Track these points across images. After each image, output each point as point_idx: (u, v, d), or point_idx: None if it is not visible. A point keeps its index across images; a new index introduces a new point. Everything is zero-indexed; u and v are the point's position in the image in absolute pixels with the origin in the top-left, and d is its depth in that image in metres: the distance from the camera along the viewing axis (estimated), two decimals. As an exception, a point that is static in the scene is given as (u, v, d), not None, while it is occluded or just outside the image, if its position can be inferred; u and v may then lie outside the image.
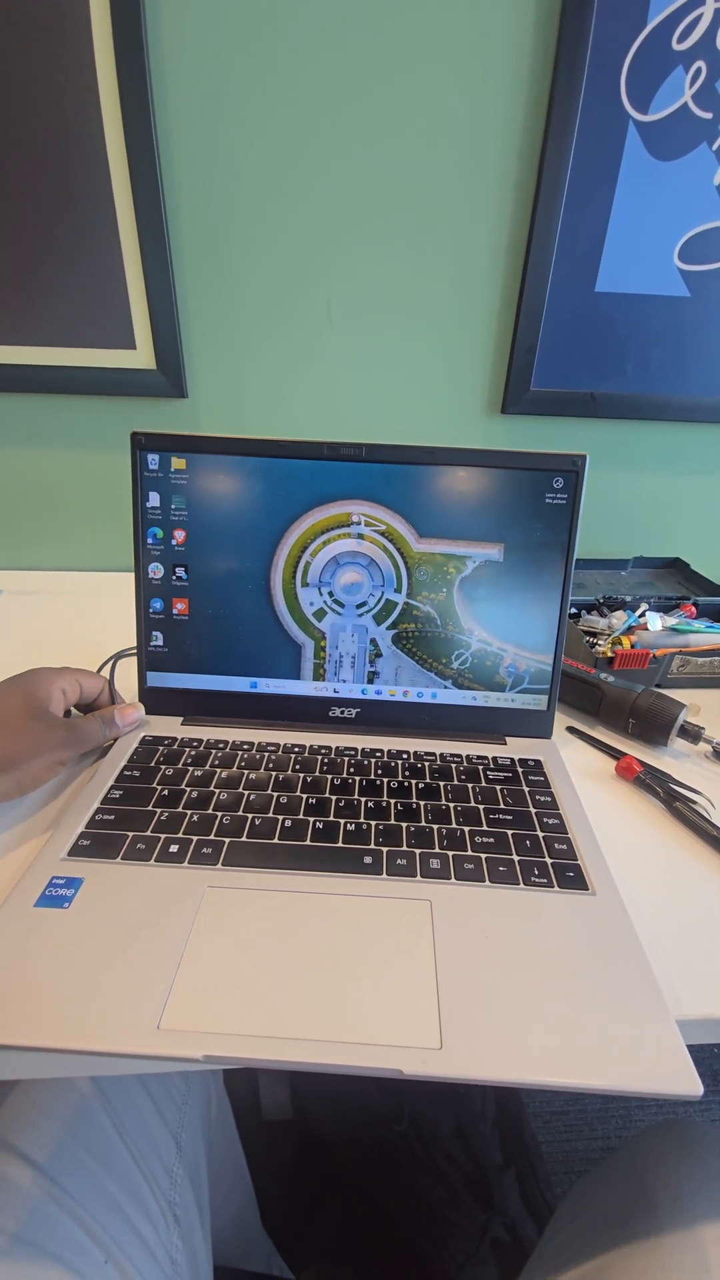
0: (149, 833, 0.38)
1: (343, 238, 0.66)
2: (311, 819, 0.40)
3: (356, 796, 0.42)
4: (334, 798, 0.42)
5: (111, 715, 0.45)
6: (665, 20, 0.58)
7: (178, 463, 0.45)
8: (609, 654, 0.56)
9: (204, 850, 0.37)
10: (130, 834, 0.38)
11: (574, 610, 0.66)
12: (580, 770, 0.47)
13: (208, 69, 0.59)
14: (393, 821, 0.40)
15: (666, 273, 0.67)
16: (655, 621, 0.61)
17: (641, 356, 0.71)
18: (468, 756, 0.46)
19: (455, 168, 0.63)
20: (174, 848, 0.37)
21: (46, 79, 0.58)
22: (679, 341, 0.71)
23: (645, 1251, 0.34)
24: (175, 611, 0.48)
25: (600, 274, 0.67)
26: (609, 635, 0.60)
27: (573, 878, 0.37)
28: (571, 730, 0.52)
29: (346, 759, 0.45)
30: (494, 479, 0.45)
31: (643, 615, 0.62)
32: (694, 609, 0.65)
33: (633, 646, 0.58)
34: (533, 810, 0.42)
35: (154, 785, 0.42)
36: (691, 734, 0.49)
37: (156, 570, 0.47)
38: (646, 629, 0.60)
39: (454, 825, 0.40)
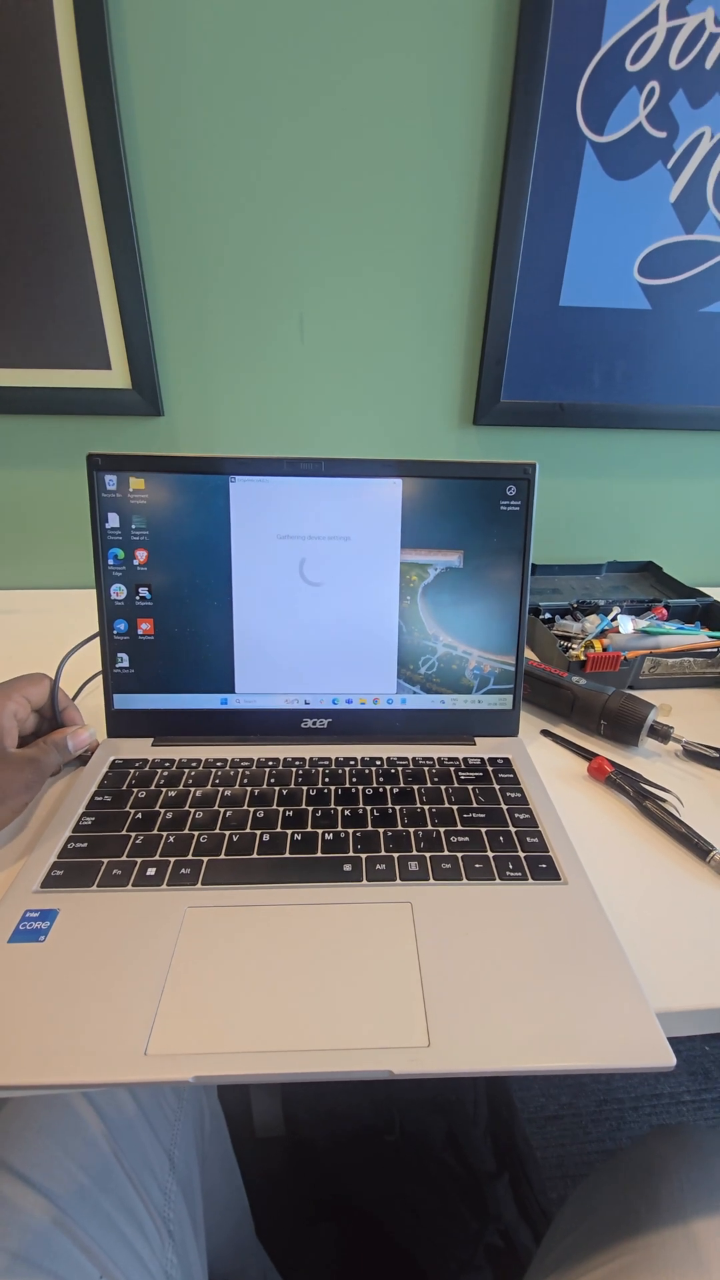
0: (124, 857, 0.38)
1: (314, 254, 0.67)
2: (289, 831, 0.40)
3: (333, 806, 0.42)
4: (310, 808, 0.42)
5: (64, 741, 0.45)
6: (618, 42, 0.61)
7: (136, 483, 0.46)
8: (581, 657, 0.57)
9: (182, 871, 0.37)
10: (105, 860, 0.38)
11: (548, 615, 0.67)
12: (553, 771, 0.48)
13: (177, 90, 0.60)
14: (370, 828, 0.41)
15: (627, 287, 0.69)
16: (627, 624, 0.62)
17: (607, 367, 0.73)
18: (439, 759, 0.47)
19: (421, 189, 0.65)
20: (151, 871, 0.37)
21: (15, 104, 0.58)
22: (641, 352, 0.73)
23: (650, 1257, 0.34)
24: (140, 632, 0.48)
25: (564, 289, 0.69)
26: (582, 639, 0.62)
27: (545, 869, 0.38)
28: (545, 733, 0.53)
29: (321, 769, 0.46)
30: (451, 489, 0.47)
31: (615, 619, 0.64)
32: (665, 611, 0.66)
33: (605, 649, 0.59)
34: (504, 807, 0.43)
35: (127, 809, 0.42)
36: (661, 734, 0.50)
37: (119, 591, 0.47)
38: (619, 632, 0.62)
39: (430, 827, 0.41)
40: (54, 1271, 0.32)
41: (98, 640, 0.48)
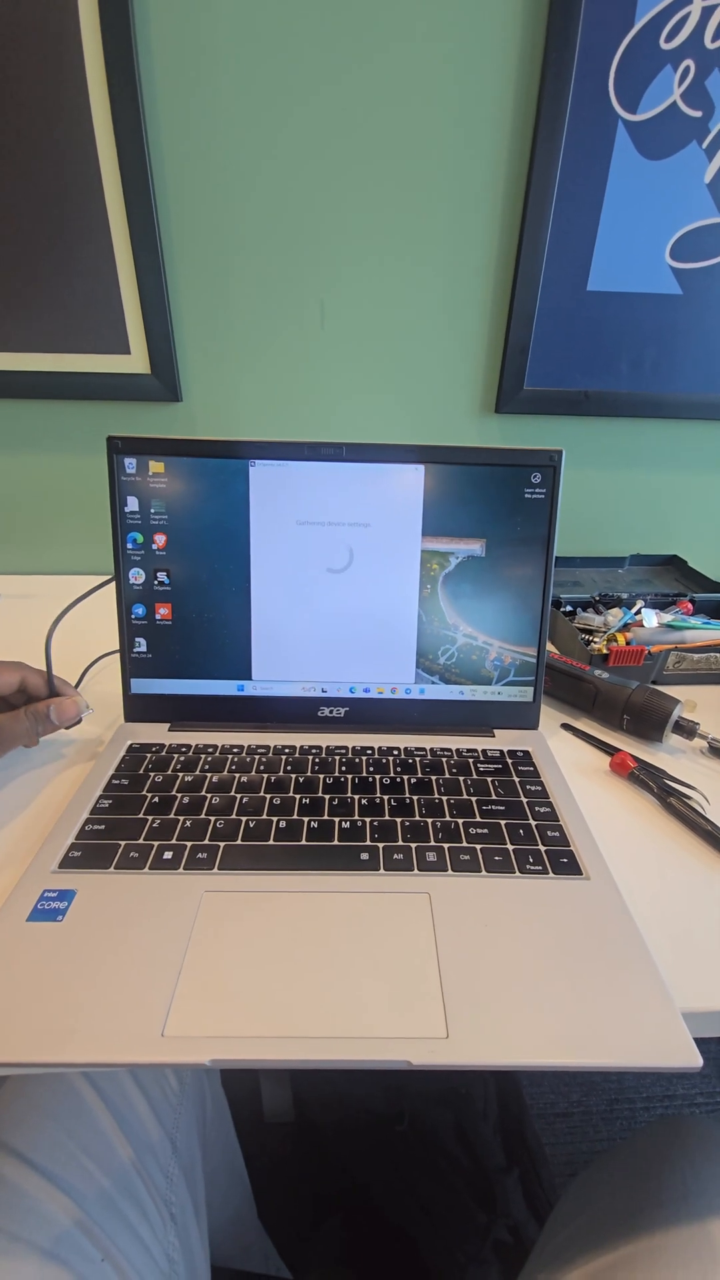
0: (141, 840, 0.38)
1: (335, 240, 0.66)
2: (306, 819, 0.40)
3: (350, 794, 0.42)
4: (328, 797, 0.42)
5: (46, 711, 0.43)
6: (652, 20, 0.59)
7: (156, 466, 0.45)
8: (604, 651, 0.56)
9: (199, 855, 0.37)
10: (122, 843, 0.38)
11: (569, 608, 0.66)
12: (574, 766, 0.47)
13: (198, 78, 0.59)
14: (387, 817, 0.40)
15: (659, 271, 0.67)
16: (651, 618, 0.61)
17: (635, 355, 0.72)
18: (457, 750, 0.47)
19: (446, 169, 0.63)
20: (168, 854, 0.37)
21: (38, 90, 0.58)
22: (672, 339, 0.71)
23: (654, 1248, 0.33)
24: (158, 617, 0.48)
25: (592, 273, 0.67)
26: (604, 632, 0.60)
27: (566, 864, 0.37)
28: (566, 727, 0.52)
29: (338, 758, 0.45)
30: (474, 476, 0.46)
31: (638, 612, 0.62)
32: (690, 605, 0.65)
33: (628, 643, 0.58)
34: (524, 800, 0.42)
35: (144, 793, 0.42)
36: (686, 730, 0.49)
37: (138, 575, 0.47)
38: (642, 625, 0.60)
39: (448, 818, 0.40)
40: (55, 1254, 0.32)
41: (106, 620, 0.48)
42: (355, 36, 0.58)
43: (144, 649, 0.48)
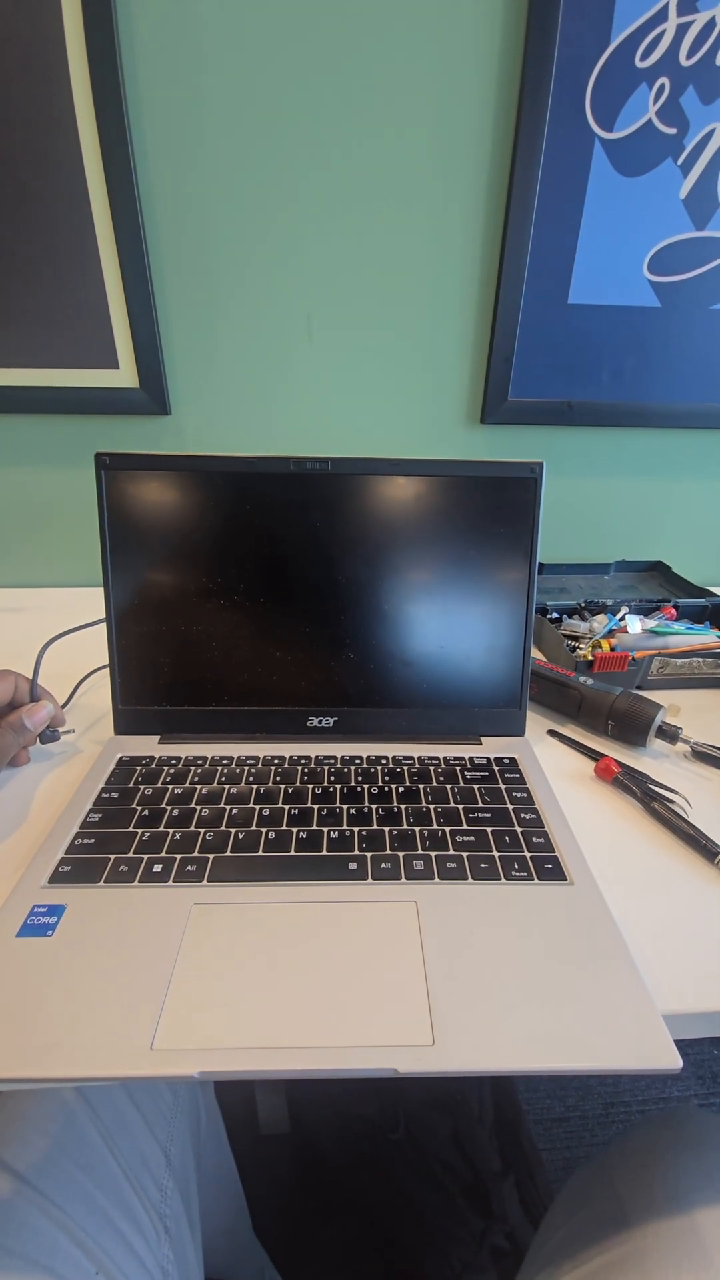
0: (131, 854, 0.38)
1: (322, 255, 0.67)
2: (295, 830, 0.40)
3: (338, 804, 0.42)
4: (316, 807, 0.42)
5: (19, 720, 0.44)
6: (628, 39, 0.60)
7: (144, 482, 0.46)
8: (589, 657, 0.57)
9: (188, 868, 0.37)
10: (112, 857, 0.38)
11: (555, 615, 0.67)
12: (560, 772, 0.48)
13: (186, 91, 0.60)
14: (375, 826, 0.41)
15: (637, 284, 0.69)
16: (635, 624, 0.62)
17: (616, 365, 0.73)
18: (445, 758, 0.47)
19: (429, 187, 0.65)
20: (157, 867, 0.37)
21: (22, 101, 0.59)
22: (651, 350, 0.72)
23: (647, 1248, 0.34)
24: (148, 630, 0.48)
25: (573, 286, 0.69)
26: (590, 639, 0.61)
27: (551, 869, 0.38)
28: (552, 733, 0.53)
29: (327, 768, 0.46)
30: (458, 487, 0.47)
31: (623, 619, 0.63)
32: (674, 611, 0.66)
33: (613, 649, 0.59)
34: (510, 806, 0.43)
35: (133, 806, 0.42)
36: (669, 734, 0.50)
37: (127, 590, 0.47)
38: (626, 632, 0.61)
39: (435, 826, 0.41)
40: (49, 1266, 0.32)
41: (96, 636, 0.48)
42: (339, 55, 0.59)
43: (133, 662, 0.48)
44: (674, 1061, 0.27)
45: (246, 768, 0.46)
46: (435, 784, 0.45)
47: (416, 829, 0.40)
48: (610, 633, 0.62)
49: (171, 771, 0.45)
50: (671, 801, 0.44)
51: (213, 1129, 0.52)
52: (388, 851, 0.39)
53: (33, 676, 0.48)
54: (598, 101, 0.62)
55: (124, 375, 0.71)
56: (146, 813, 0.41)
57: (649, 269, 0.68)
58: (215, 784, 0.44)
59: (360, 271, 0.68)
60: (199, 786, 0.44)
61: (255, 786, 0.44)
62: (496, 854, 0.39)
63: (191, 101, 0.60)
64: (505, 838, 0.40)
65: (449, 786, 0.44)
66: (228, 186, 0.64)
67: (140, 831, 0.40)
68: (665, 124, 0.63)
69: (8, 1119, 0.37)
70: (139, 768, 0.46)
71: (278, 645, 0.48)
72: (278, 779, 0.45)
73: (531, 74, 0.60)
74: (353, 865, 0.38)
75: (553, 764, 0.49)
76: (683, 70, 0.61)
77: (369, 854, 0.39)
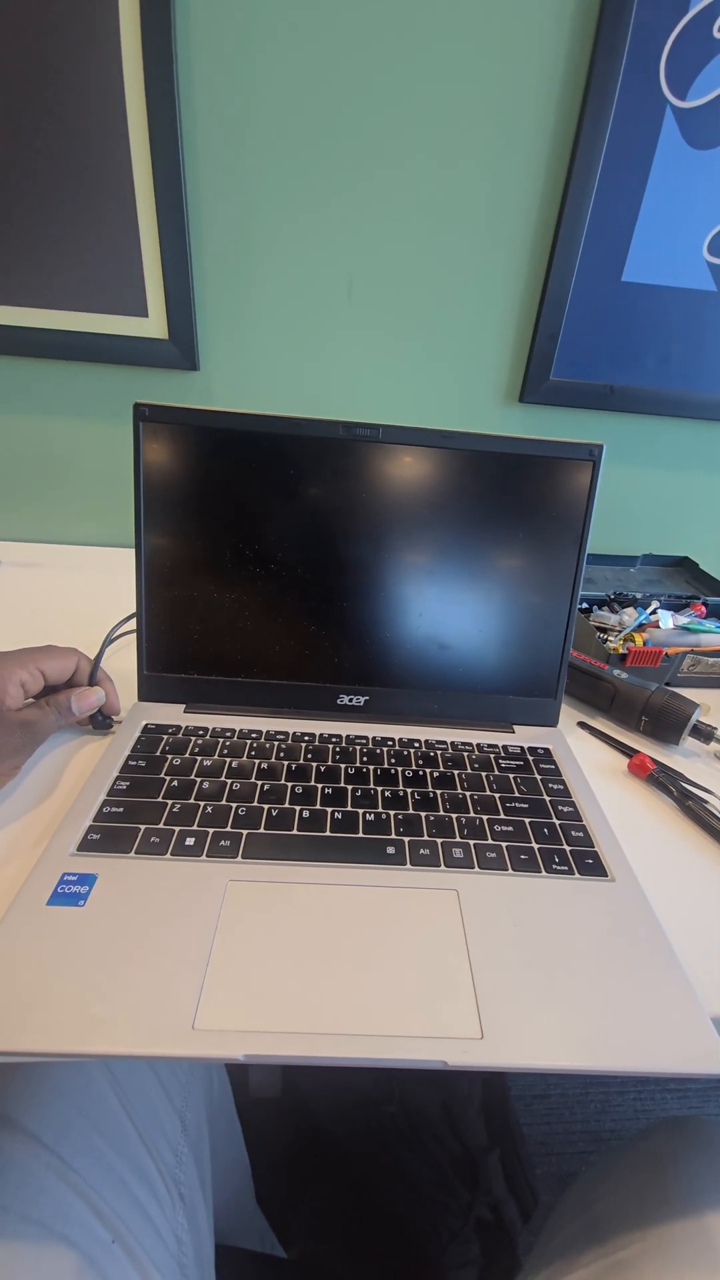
0: (162, 825, 0.37)
1: (368, 213, 0.63)
2: (330, 809, 0.39)
3: (372, 786, 0.41)
4: (350, 787, 0.41)
5: (67, 702, 0.43)
6: (707, 7, 0.57)
7: (182, 437, 0.43)
8: (621, 650, 0.56)
9: (222, 843, 0.36)
10: (142, 827, 0.37)
11: (585, 605, 0.66)
12: (592, 766, 0.47)
13: (234, 32, 0.56)
14: (411, 811, 0.40)
15: (694, 265, 0.66)
16: (667, 620, 0.61)
17: (663, 350, 0.71)
18: (478, 745, 0.46)
19: (487, 144, 0.61)
20: (190, 840, 0.36)
21: (69, 41, 0.54)
22: (701, 337, 0.70)
23: (660, 1248, 0.34)
24: (178, 593, 0.46)
25: (628, 263, 0.66)
26: (620, 631, 0.60)
27: (592, 865, 0.37)
28: (582, 725, 0.52)
29: (359, 748, 0.45)
30: (510, 465, 0.45)
31: (654, 613, 0.62)
32: (704, 608, 0.65)
33: (645, 644, 0.58)
34: (547, 798, 0.42)
35: (162, 776, 0.41)
36: (704, 733, 0.49)
37: (159, 549, 0.45)
38: (658, 627, 0.60)
39: (472, 814, 0.40)
40: (65, 1235, 0.32)
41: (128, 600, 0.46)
42: (397, 7, 0.55)
43: (163, 627, 0.46)
44: None
45: (276, 743, 0.45)
46: (470, 770, 0.44)
47: (453, 816, 0.40)
48: (640, 626, 0.61)
49: (200, 742, 0.44)
50: (706, 802, 0.44)
51: (224, 1095, 0.53)
52: (425, 837, 0.38)
53: (95, 661, 0.46)
54: (672, 67, 0.59)
55: (153, 325, 0.67)
56: (175, 784, 0.40)
57: (709, 250, 0.65)
58: (245, 757, 0.43)
59: (407, 230, 0.65)
60: (228, 759, 0.43)
61: (287, 762, 0.43)
62: (535, 846, 0.38)
63: (243, 39, 0.56)
64: (544, 830, 0.39)
65: (484, 774, 0.43)
66: (278, 138, 0.60)
67: (170, 803, 0.39)
68: (740, 96, 0.60)
69: (26, 1082, 0.36)
70: (166, 736, 0.44)
71: (312, 618, 0.47)
72: (309, 756, 0.44)
73: (607, 32, 0.56)
74: (390, 850, 0.37)
75: (584, 757, 0.48)
76: (760, 43, 0.58)
77: (406, 839, 0.38)
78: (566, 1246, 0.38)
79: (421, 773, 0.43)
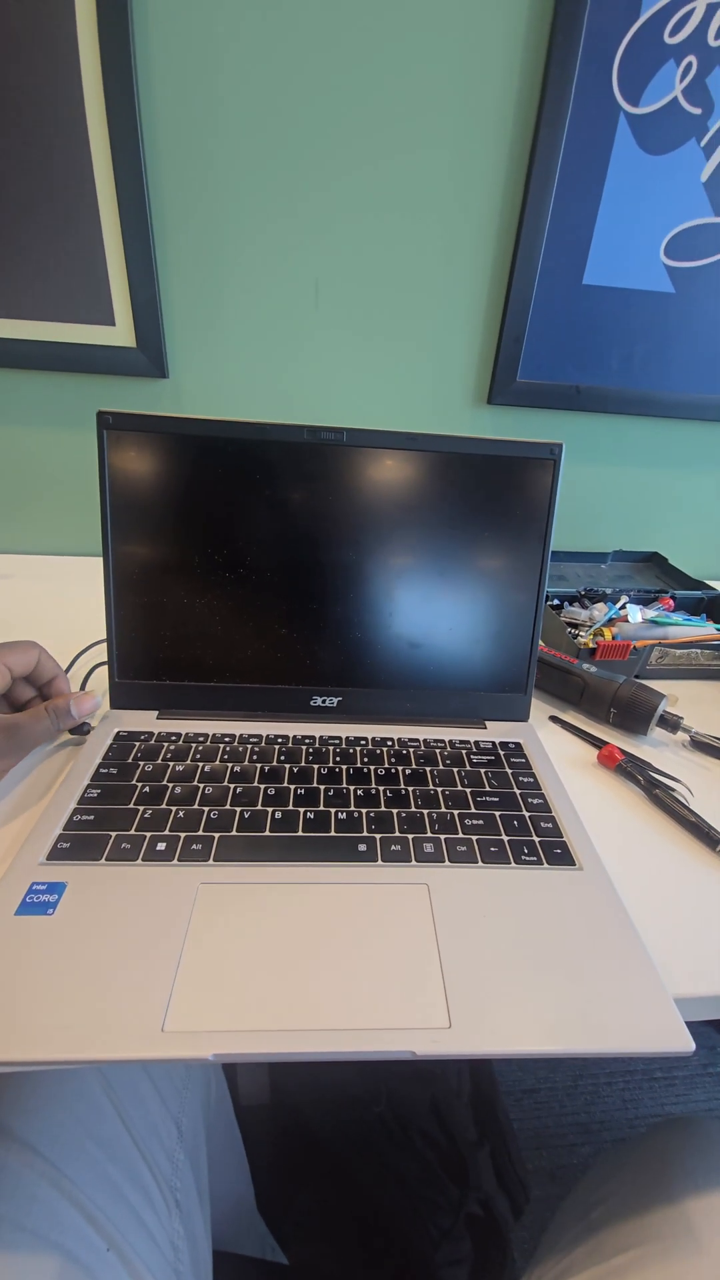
0: (133, 831, 0.37)
1: (332, 218, 0.64)
2: (302, 810, 0.40)
3: (345, 785, 0.42)
4: (323, 787, 0.42)
5: (66, 706, 0.43)
6: (658, 13, 0.59)
7: (148, 445, 0.44)
8: (591, 645, 0.57)
9: (193, 847, 0.36)
10: (113, 834, 0.37)
11: (556, 601, 0.67)
12: (562, 758, 0.48)
13: (193, 39, 0.56)
14: (383, 808, 0.40)
15: (653, 268, 0.68)
16: (636, 614, 0.62)
17: (626, 351, 0.72)
18: (450, 742, 0.47)
19: (447, 155, 0.62)
20: (161, 845, 0.36)
21: (26, 47, 0.55)
22: (663, 337, 0.71)
23: (668, 1247, 0.34)
24: (147, 601, 0.46)
25: (588, 266, 0.67)
26: (590, 627, 0.61)
27: (560, 854, 0.38)
28: (554, 719, 0.53)
29: (332, 748, 0.45)
30: (474, 465, 0.45)
31: (623, 608, 0.63)
32: (671, 602, 0.66)
33: (614, 638, 0.59)
34: (517, 791, 0.43)
35: (134, 782, 0.41)
36: (670, 723, 0.50)
37: (126, 558, 0.45)
38: (627, 621, 0.61)
39: (443, 809, 0.40)
40: (59, 1243, 0.32)
41: (95, 611, 0.46)
42: (360, 14, 0.56)
43: (132, 634, 0.46)
44: (686, 1044, 0.28)
45: (249, 746, 0.45)
46: (442, 767, 0.44)
47: (425, 812, 0.40)
48: (610, 621, 0.62)
49: (172, 748, 0.44)
50: (673, 790, 0.45)
51: (220, 1101, 0.52)
52: (397, 833, 0.38)
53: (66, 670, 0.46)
54: (625, 73, 0.60)
55: (120, 333, 0.67)
56: (147, 789, 0.40)
57: (666, 253, 0.67)
58: (218, 761, 0.43)
59: (372, 237, 0.65)
60: (201, 764, 0.43)
61: (259, 765, 0.43)
62: (505, 838, 0.39)
63: (202, 43, 0.56)
64: (514, 822, 0.40)
65: (455, 770, 0.44)
66: (238, 145, 0.60)
67: (142, 808, 0.39)
68: (691, 103, 0.62)
69: (20, 1090, 0.36)
70: (138, 743, 0.44)
71: (282, 621, 0.47)
72: (282, 758, 0.44)
73: (560, 38, 0.58)
74: (362, 847, 0.37)
75: (555, 750, 0.49)
76: (710, 50, 0.60)
77: (378, 835, 0.38)
78: (570, 1247, 0.38)
79: (394, 771, 0.43)
